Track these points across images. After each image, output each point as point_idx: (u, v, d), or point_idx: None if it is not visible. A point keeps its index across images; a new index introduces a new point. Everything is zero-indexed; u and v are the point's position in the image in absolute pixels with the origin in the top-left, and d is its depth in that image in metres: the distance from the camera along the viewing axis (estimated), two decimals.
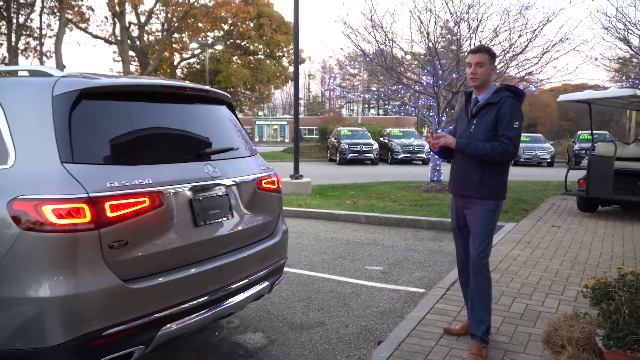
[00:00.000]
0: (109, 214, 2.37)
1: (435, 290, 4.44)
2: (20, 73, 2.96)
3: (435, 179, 11.71)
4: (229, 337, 3.74)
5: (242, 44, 37.54)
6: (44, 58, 30.11)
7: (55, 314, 2.27)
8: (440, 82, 10.25)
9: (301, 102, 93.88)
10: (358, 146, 23.93)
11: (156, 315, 2.53)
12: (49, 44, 30.64)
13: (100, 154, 2.51)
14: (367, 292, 4.78)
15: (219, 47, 30.76)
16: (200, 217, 2.84)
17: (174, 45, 34.19)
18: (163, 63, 33.27)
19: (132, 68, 32.38)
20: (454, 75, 10.11)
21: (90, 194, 2.33)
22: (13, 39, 27.10)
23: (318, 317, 4.14)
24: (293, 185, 11.25)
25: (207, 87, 3.31)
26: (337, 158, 24.67)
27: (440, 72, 10.13)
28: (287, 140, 55.59)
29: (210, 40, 33.36)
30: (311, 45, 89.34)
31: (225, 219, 3.03)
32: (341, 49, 24.75)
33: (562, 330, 2.59)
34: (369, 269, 5.58)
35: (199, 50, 34.86)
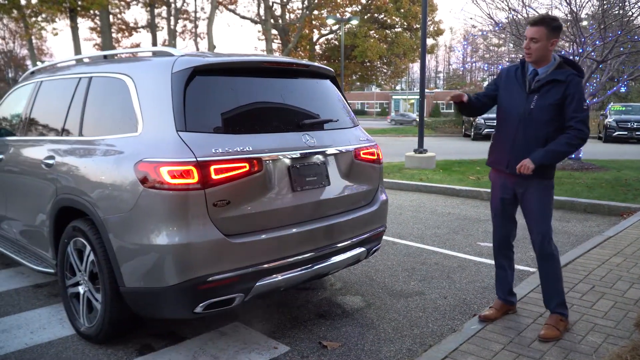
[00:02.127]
0: (214, 176, 2.71)
1: None
2: (147, 54, 3.43)
3: (572, 156, 10.77)
4: (330, 298, 4.00)
5: (379, 17, 37.35)
6: (198, 39, 33.06)
7: (170, 259, 2.69)
8: (581, 50, 9.30)
9: (440, 75, 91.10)
10: (494, 121, 22.67)
11: (254, 268, 2.85)
12: (202, 27, 33.58)
13: (208, 123, 2.86)
14: (473, 267, 4.72)
15: (355, 21, 30.99)
16: (297, 183, 3.09)
17: (313, 22, 35.24)
18: (303, 40, 34.49)
19: (275, 46, 34.12)
20: (597, 42, 9.11)
21: (198, 158, 2.68)
22: (172, 22, 30.13)
23: (418, 287, 4.22)
24: (416, 159, 11.16)
25: (308, 62, 3.52)
26: (472, 133, 23.70)
27: (582, 39, 9.17)
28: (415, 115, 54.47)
29: (347, 15, 33.75)
30: (452, 15, 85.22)
31: (322, 185, 3.24)
32: (470, 18, 23.47)
33: None
34: (481, 245, 5.46)
35: (337, 27, 35.49)
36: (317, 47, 38.47)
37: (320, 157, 3.25)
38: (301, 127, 3.22)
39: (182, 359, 3.05)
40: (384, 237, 5.64)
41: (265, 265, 2.90)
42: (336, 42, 38.15)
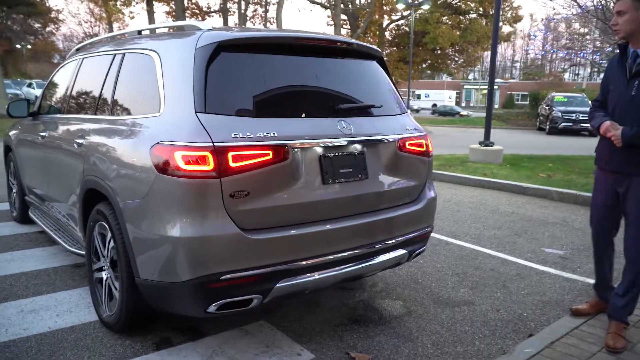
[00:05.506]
0: (232, 164, 2.43)
1: None
2: (178, 29, 3.18)
3: None
4: (367, 301, 3.66)
5: (453, 3, 35.83)
6: (268, 24, 33.18)
7: (181, 253, 2.45)
8: None
9: (517, 65, 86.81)
10: (574, 115, 21.19)
11: (274, 268, 2.56)
12: (272, 11, 33.65)
13: (231, 104, 2.57)
14: (534, 276, 4.20)
15: (427, 6, 29.80)
16: (329, 175, 2.76)
17: (383, 7, 34.37)
18: (372, 25, 33.74)
19: (343, 31, 33.59)
20: None
21: (215, 143, 2.41)
22: (243, 6, 30.38)
23: (468, 295, 3.78)
24: (481, 152, 10.46)
25: (351, 40, 3.15)
26: (547, 127, 22.27)
27: None
28: (496, 106, 52.40)
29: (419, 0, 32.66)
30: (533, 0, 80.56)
31: (357, 178, 2.89)
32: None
33: None
34: (546, 252, 4.89)
35: (407, 12, 34.42)
36: (386, 33, 37.52)
37: (357, 146, 2.89)
38: (337, 112, 2.87)
39: (198, 356, 2.84)
40: (436, 236, 5.22)
41: (288, 266, 2.60)
42: (406, 29, 36.96)
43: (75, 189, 3.52)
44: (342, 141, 2.81)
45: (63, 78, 4.47)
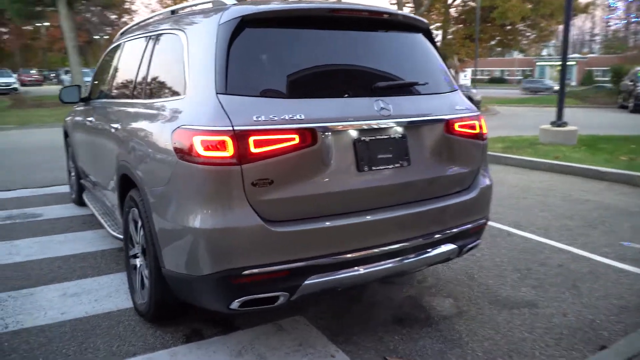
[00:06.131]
0: (253, 150, 2.21)
1: None
2: (205, 6, 2.96)
3: None
4: (415, 297, 3.35)
5: None
6: None
7: (200, 246, 2.29)
8: None
9: (596, 38, 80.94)
10: None
11: (301, 263, 2.32)
12: None
13: (255, 85, 2.35)
14: (611, 275, 3.71)
15: None
16: (365, 161, 2.47)
17: None
18: (436, 2, 32.36)
19: (406, 10, 32.52)
20: None
21: (235, 128, 2.19)
22: None
23: (530, 295, 3.38)
24: (552, 133, 9.67)
25: (392, 10, 2.81)
26: (631, 104, 20.51)
27: None
28: (573, 84, 49.04)
29: None
30: None
31: (398, 165, 2.58)
32: None
33: None
34: (626, 246, 4.34)
35: None
36: (452, 10, 35.87)
37: (398, 129, 2.58)
38: (375, 91, 2.56)
39: (227, 352, 2.68)
40: (497, 225, 4.80)
41: (317, 261, 2.35)
42: (473, 4, 35.17)
43: (112, 174, 3.46)
44: (380, 123, 2.51)
45: (108, 62, 4.45)
